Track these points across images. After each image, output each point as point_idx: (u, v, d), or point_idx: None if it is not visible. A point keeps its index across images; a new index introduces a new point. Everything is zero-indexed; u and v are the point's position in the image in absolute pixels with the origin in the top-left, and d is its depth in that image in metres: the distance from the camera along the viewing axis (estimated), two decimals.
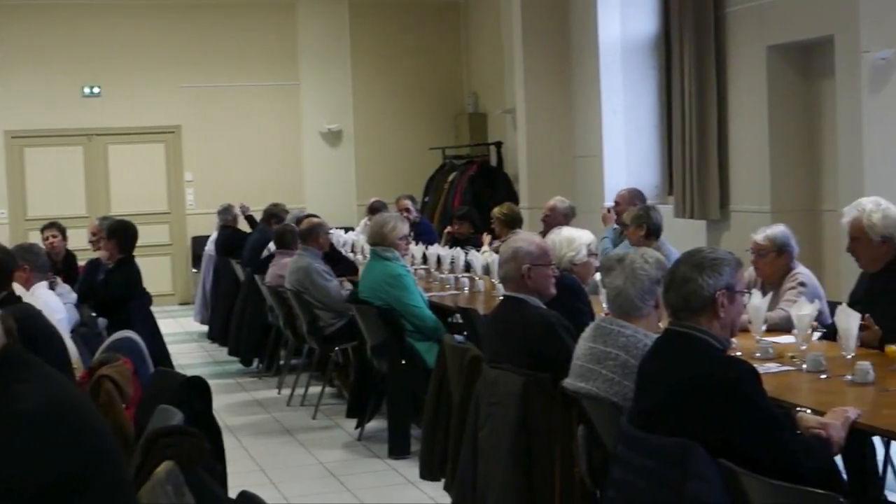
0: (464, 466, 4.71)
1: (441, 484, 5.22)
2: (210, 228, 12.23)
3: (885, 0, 7.67)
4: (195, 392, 3.99)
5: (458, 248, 8.50)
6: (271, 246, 9.25)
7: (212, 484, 3.13)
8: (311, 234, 8.08)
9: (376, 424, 7.12)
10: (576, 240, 5.55)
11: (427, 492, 5.79)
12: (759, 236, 5.80)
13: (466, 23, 14.98)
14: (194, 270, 13.60)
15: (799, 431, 3.51)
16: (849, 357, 4.41)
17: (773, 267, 5.71)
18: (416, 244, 9.22)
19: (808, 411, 3.72)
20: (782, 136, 9.21)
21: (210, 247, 11.72)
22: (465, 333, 6.66)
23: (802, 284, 5.53)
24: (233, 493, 2.94)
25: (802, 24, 8.83)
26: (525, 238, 4.93)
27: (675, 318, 3.54)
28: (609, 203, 9.78)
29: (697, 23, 9.89)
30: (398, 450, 6.57)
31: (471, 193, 13.03)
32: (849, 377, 4.27)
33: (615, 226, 8.22)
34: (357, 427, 7.13)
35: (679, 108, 10.22)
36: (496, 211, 8.83)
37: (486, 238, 9.09)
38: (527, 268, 4.69)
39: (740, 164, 9.65)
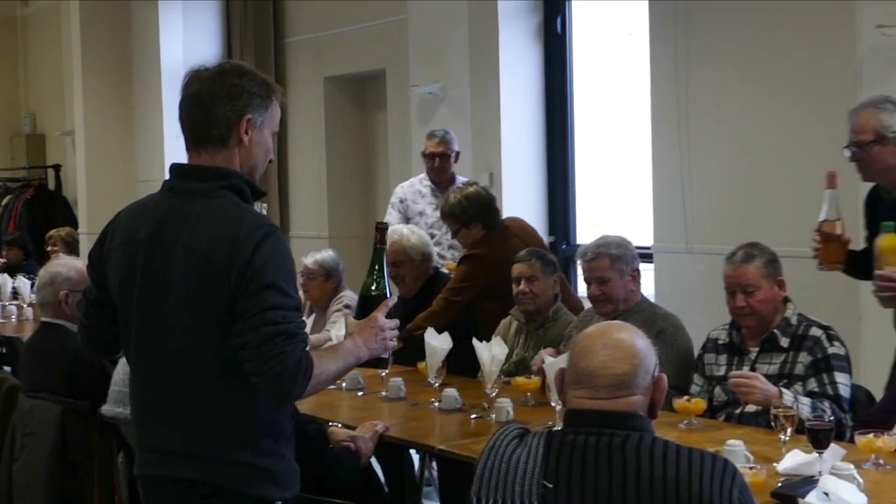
0: None
1: None
2: None
3: (432, 38, 8.14)
4: None
5: (6, 275, 8.09)
6: None
7: None
8: None
9: None
10: None
11: None
12: (309, 260, 5.97)
13: (24, 40, 14.31)
14: None
15: (330, 445, 3.66)
16: (384, 374, 4.64)
17: (322, 290, 5.91)
18: None
19: (340, 426, 3.88)
20: (339, 165, 9.56)
21: None
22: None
23: (347, 307, 5.75)
24: None
25: (357, 57, 9.21)
26: (65, 263, 4.78)
27: None
28: None
29: (258, 51, 10.05)
30: None
31: (27, 218, 12.43)
32: (383, 393, 4.51)
33: None
34: None
35: None
36: (59, 232, 8.54)
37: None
38: (64, 294, 4.54)
39: (300, 192, 9.90)
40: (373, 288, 2.92)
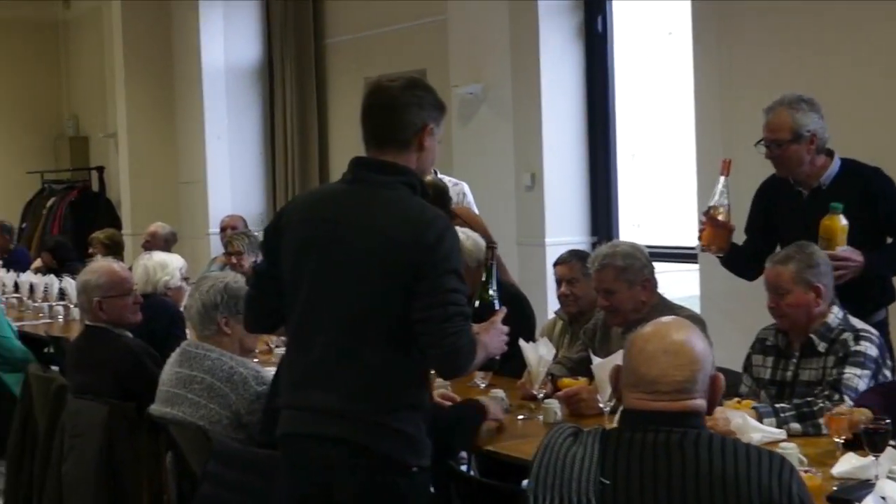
0: (49, 501, 4.54)
1: None
2: None
3: (472, 38, 8.14)
4: None
5: (53, 276, 8.15)
6: None
7: None
8: None
9: None
10: (169, 264, 5.52)
11: None
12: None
13: (66, 43, 14.43)
14: None
15: None
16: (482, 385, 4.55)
17: None
18: (9, 272, 8.78)
19: None
20: None
21: None
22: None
23: None
24: None
25: (397, 58, 9.21)
26: (96, 269, 4.77)
27: None
28: (214, 229, 9.76)
29: (298, 52, 10.10)
30: None
31: (71, 220, 12.53)
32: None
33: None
34: None
35: (282, 135, 10.37)
36: (98, 234, 8.60)
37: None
38: (97, 301, 4.58)
39: None
40: (486, 297, 3.44)
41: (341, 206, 3.01)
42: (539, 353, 4.13)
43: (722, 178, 4.33)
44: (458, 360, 2.90)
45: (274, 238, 3.10)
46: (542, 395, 4.11)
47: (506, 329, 3.22)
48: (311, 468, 2.97)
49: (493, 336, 3.15)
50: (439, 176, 6.65)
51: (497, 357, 3.27)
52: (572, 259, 4.97)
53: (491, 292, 3.45)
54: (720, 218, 4.31)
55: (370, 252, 2.90)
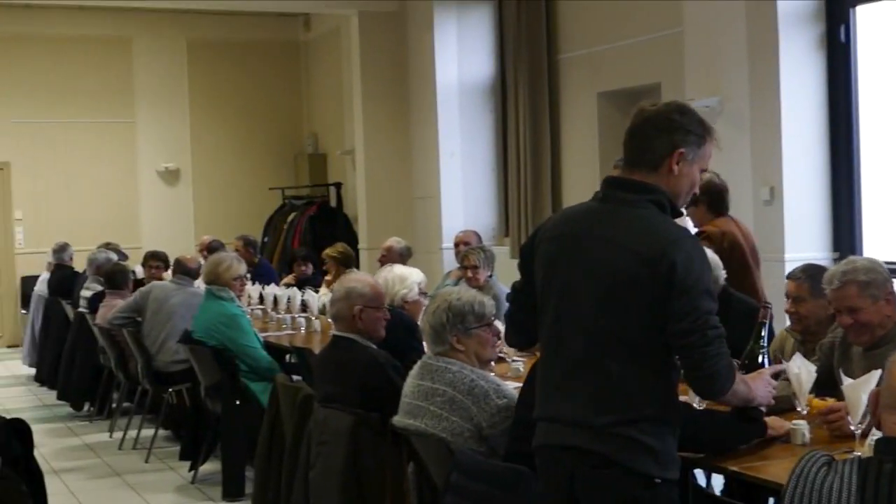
0: None
1: None
2: (41, 268, 11.87)
3: (708, 51, 8.00)
4: (14, 435, 3.88)
5: (295, 288, 8.46)
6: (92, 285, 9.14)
7: None
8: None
9: (211, 467, 7.01)
10: (408, 278, 5.62)
11: None
12: None
13: (307, 64, 15.00)
14: (23, 311, 13.14)
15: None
16: None
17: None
18: (254, 284, 9.15)
19: None
20: None
21: (41, 287, 11.37)
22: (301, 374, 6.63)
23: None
24: None
25: (631, 72, 9.16)
26: (360, 279, 4.97)
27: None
28: (447, 244, 9.92)
29: (532, 68, 10.15)
30: (232, 492, 6.49)
31: (310, 234, 13.01)
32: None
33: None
34: (191, 470, 7.02)
35: (514, 150, 10.45)
36: (329, 251, 8.87)
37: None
38: (359, 309, 4.72)
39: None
40: (756, 351, 3.63)
41: (588, 223, 3.07)
42: (808, 369, 3.95)
43: None
44: (717, 382, 2.96)
45: (528, 256, 3.22)
46: (806, 411, 3.94)
47: (775, 383, 3.32)
48: (560, 478, 3.05)
49: (760, 384, 3.26)
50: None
51: (763, 409, 3.38)
52: (802, 276, 4.74)
53: (761, 351, 3.59)
54: None
55: (613, 265, 2.95)
